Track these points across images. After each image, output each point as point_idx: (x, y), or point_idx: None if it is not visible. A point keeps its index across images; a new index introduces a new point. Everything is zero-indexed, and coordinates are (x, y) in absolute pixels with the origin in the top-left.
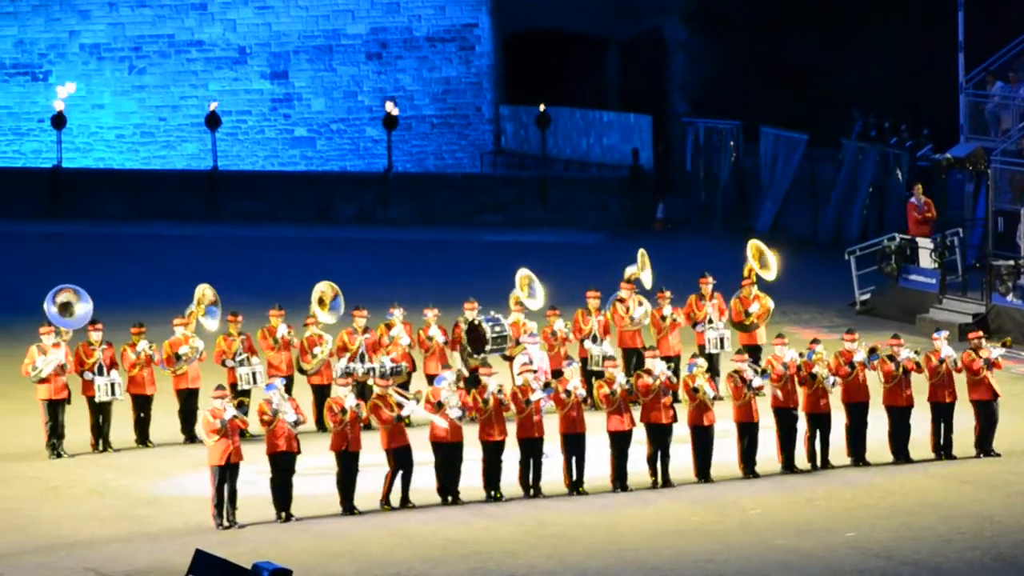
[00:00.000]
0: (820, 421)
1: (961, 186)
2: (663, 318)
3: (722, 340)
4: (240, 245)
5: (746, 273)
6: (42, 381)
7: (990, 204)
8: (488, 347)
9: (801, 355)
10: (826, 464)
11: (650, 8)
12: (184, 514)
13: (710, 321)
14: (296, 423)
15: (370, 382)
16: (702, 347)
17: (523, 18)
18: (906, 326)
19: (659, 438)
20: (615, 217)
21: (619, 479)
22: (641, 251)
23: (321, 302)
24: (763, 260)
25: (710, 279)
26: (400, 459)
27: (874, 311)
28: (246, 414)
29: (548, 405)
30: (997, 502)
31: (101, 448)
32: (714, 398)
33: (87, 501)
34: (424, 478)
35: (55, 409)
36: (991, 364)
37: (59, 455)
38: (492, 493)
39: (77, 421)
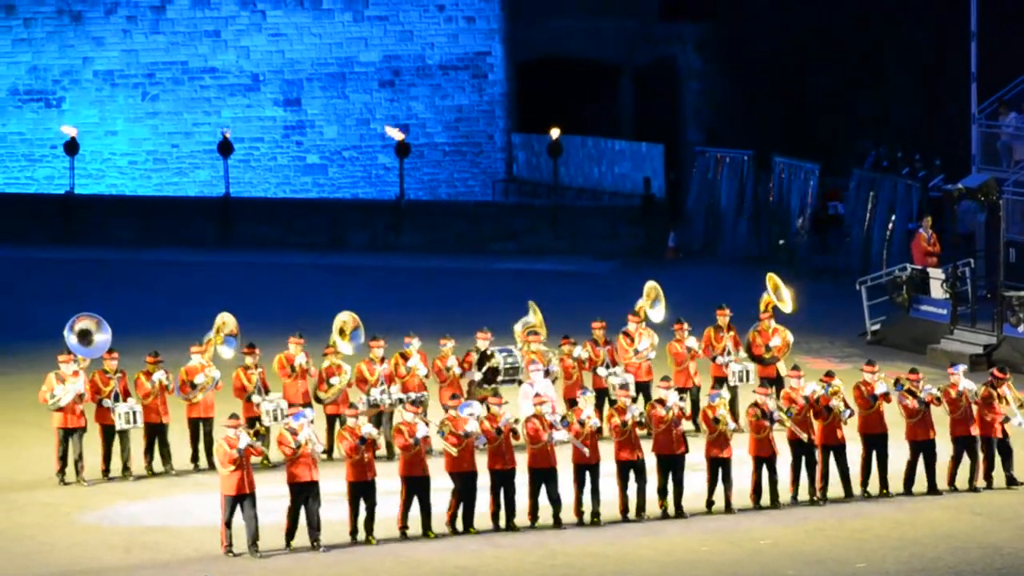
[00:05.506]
0: (835, 453)
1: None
2: (688, 350)
3: (747, 373)
4: (252, 271)
5: (763, 307)
6: (59, 410)
7: (1002, 235)
8: (500, 378)
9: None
10: (848, 494)
11: (664, 37)
12: (194, 541)
13: (729, 353)
14: (323, 452)
15: (397, 411)
16: (719, 379)
17: (536, 46)
18: (917, 356)
19: (671, 468)
20: (627, 246)
21: (629, 508)
22: (650, 284)
23: (342, 332)
24: (779, 293)
25: (727, 311)
26: (414, 488)
27: (885, 341)
28: (262, 442)
29: (564, 436)
30: (1007, 533)
31: (121, 476)
32: (733, 430)
33: (98, 528)
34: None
35: (69, 437)
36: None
37: (64, 483)
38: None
39: (94, 449)
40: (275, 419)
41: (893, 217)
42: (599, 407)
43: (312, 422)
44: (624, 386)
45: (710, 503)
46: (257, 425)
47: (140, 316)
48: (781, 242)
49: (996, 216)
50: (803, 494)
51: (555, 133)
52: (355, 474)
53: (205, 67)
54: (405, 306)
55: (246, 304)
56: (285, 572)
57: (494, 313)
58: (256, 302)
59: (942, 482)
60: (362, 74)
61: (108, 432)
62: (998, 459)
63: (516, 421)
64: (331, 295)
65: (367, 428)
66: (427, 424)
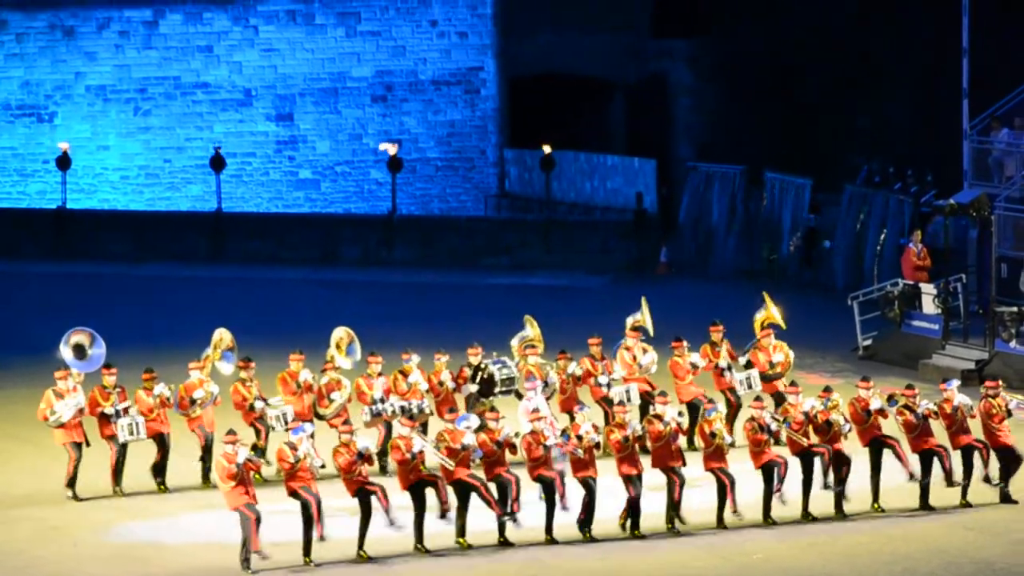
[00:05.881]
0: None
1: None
2: (694, 366)
3: (753, 379)
4: (244, 286)
5: (761, 324)
6: (60, 426)
7: (994, 250)
8: (497, 389)
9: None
10: (840, 511)
11: (655, 53)
12: (186, 555)
13: (728, 367)
14: (321, 467)
15: (395, 422)
16: (725, 391)
17: (528, 62)
18: (909, 372)
19: (669, 480)
20: (619, 261)
21: (633, 523)
22: (643, 299)
23: (338, 347)
24: (774, 310)
25: (721, 327)
26: (416, 499)
27: (876, 356)
28: (261, 456)
29: (559, 451)
30: (1000, 549)
31: (113, 493)
32: (730, 444)
33: (89, 541)
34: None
35: (77, 450)
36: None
37: (71, 496)
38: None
39: (89, 464)
40: (284, 424)
41: (884, 232)
42: (611, 419)
43: (312, 436)
44: (622, 403)
45: (718, 520)
46: (255, 439)
47: (133, 330)
48: (773, 257)
49: (988, 232)
50: (798, 509)
51: (547, 148)
52: (355, 489)
53: (197, 82)
54: (397, 321)
55: (239, 319)
56: None
57: (486, 328)
58: (248, 317)
59: (936, 499)
60: (354, 89)
61: (118, 445)
62: (996, 470)
63: (516, 435)
64: (323, 310)
65: (363, 443)
66: (424, 438)
